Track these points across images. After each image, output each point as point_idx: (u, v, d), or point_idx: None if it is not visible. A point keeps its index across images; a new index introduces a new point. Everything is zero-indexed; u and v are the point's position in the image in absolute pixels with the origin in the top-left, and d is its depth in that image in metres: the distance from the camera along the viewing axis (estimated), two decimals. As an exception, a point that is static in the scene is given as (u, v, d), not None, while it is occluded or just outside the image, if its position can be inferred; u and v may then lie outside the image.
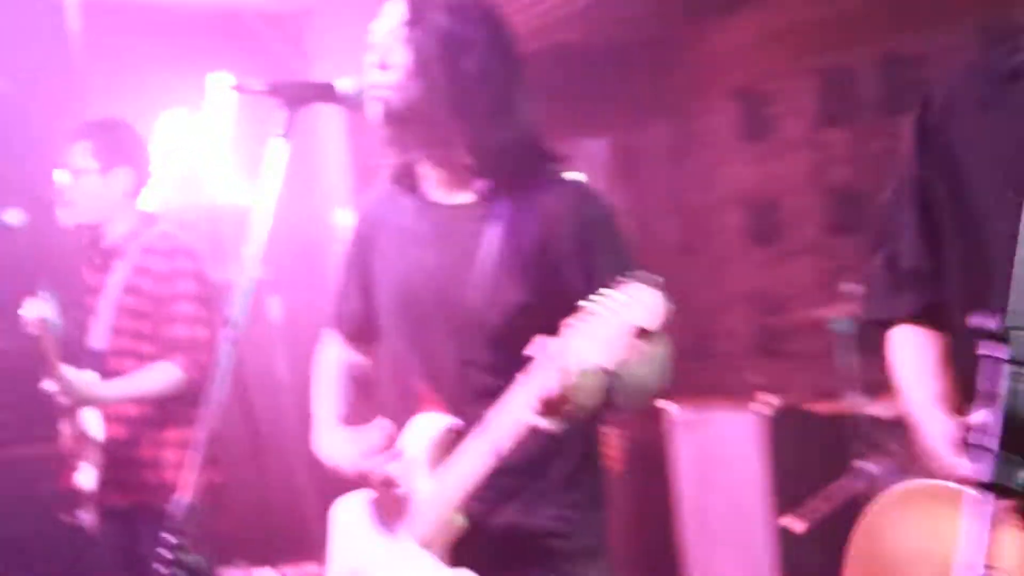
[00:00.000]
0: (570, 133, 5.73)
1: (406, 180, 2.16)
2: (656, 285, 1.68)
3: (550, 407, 1.73)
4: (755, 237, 5.67)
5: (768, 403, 4.44)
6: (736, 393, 4.66)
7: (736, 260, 5.78)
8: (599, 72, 5.86)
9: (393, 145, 2.10)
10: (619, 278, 1.78)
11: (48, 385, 3.23)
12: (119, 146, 3.55)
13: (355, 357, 2.39)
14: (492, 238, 2.02)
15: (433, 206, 2.13)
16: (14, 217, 3.51)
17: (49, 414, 3.35)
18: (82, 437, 3.40)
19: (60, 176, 3.53)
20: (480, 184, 2.06)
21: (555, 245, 2.00)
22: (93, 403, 3.34)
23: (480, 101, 1.99)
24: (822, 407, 4.35)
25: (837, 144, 5.20)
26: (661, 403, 4.72)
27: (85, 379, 3.29)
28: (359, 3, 5.89)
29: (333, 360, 2.40)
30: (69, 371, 3.26)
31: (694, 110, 5.93)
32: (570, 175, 2.10)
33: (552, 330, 1.85)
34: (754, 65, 5.53)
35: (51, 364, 3.20)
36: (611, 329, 1.66)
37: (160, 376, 3.36)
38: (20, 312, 3.09)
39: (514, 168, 2.04)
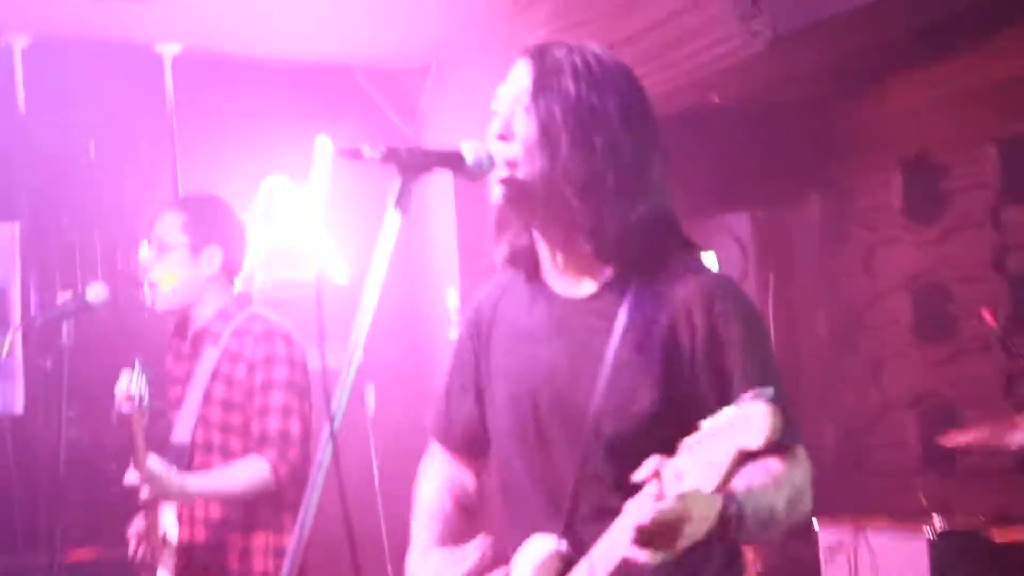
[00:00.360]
0: (707, 207, 5.70)
1: (525, 265, 2.15)
2: (769, 399, 1.62)
3: (647, 537, 1.69)
4: (923, 332, 5.52)
5: (936, 525, 4.29)
6: (898, 512, 4.52)
7: (900, 358, 5.64)
8: (743, 138, 5.83)
9: (511, 225, 2.11)
10: (753, 388, 1.75)
11: (130, 476, 3.27)
12: (212, 223, 3.64)
13: (462, 475, 2.35)
14: (616, 336, 2.00)
15: (553, 297, 2.11)
16: (97, 293, 3.59)
17: (124, 513, 3.39)
18: (161, 541, 3.43)
19: (145, 250, 3.63)
20: (605, 272, 2.05)
21: (683, 346, 1.98)
22: (176, 497, 3.36)
23: (609, 180, 1.98)
24: (1001, 533, 4.20)
25: (1022, 224, 5.07)
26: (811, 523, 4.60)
27: (169, 471, 3.32)
28: (477, 60, 6.02)
29: (435, 478, 2.36)
30: (153, 460, 3.29)
31: (853, 182, 5.84)
32: (704, 262, 2.09)
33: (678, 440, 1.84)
34: (925, 132, 5.44)
35: (137, 449, 3.23)
36: (717, 452, 1.63)
37: (248, 471, 3.39)
38: (112, 395, 3.14)
39: (642, 255, 2.02)
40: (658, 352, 1.98)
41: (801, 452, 1.99)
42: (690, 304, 1.99)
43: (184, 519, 3.48)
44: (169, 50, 5.78)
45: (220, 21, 5.57)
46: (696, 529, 1.72)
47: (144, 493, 3.28)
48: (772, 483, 1.89)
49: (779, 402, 1.81)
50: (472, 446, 2.31)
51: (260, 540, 3.49)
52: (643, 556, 1.72)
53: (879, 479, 5.59)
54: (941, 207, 5.42)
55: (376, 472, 6.12)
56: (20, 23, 5.43)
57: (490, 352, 2.22)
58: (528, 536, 2.06)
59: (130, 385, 3.13)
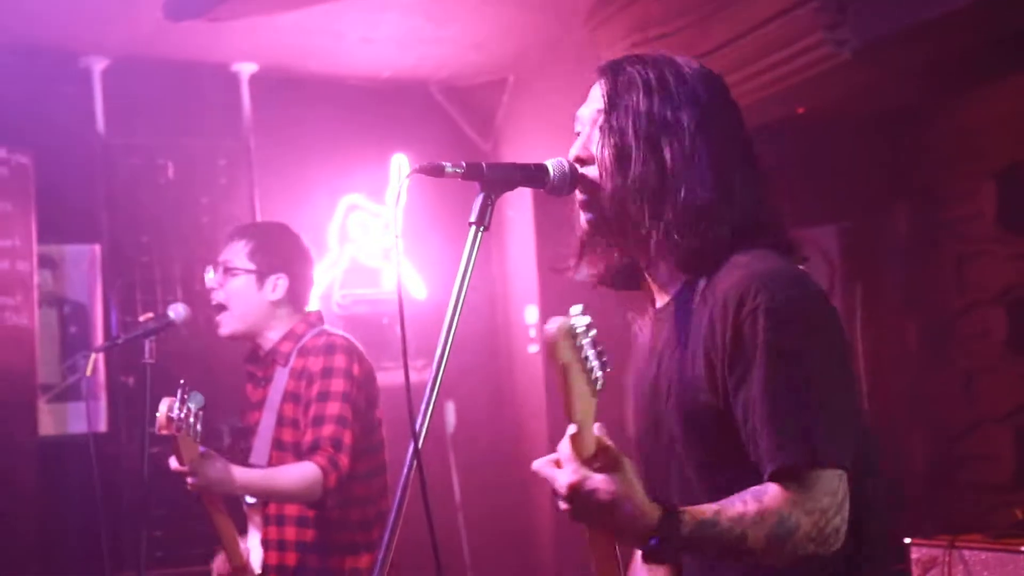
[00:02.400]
0: (793, 221, 5.66)
1: (627, 284, 2.16)
2: None
3: (570, 493, 1.76)
4: (1017, 345, 5.44)
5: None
6: (994, 531, 4.44)
7: (993, 372, 5.55)
8: (828, 149, 5.79)
9: (596, 246, 2.11)
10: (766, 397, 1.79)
11: (175, 465, 3.32)
12: (278, 251, 3.71)
13: None
14: (681, 341, 1.99)
15: (654, 312, 2.13)
16: (179, 312, 3.68)
17: (207, 529, 3.46)
18: (243, 568, 3.50)
19: (211, 274, 3.70)
20: (682, 277, 2.04)
21: (716, 345, 1.91)
22: (220, 484, 3.36)
23: (682, 197, 1.96)
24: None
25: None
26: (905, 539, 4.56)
27: (217, 463, 3.35)
28: (554, 74, 6.05)
29: None
30: (204, 454, 3.33)
31: (943, 193, 5.77)
32: (769, 256, 1.96)
33: (734, 441, 1.88)
34: (1018, 141, 5.36)
35: (183, 459, 3.29)
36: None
37: (298, 471, 3.44)
38: (158, 413, 3.20)
39: (716, 258, 1.98)
40: (700, 354, 1.93)
41: (822, 482, 1.82)
42: (727, 300, 1.89)
43: (264, 543, 3.55)
44: (246, 69, 5.89)
45: (296, 40, 5.67)
46: (617, 517, 1.74)
47: (192, 481, 3.31)
48: (753, 513, 1.79)
49: (798, 424, 1.82)
50: None
51: (336, 562, 3.55)
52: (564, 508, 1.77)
53: (972, 494, 5.50)
54: (1035, 217, 5.34)
55: (456, 488, 6.17)
56: (99, 45, 5.57)
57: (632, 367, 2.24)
58: None
59: (170, 409, 3.19)
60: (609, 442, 1.77)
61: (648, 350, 2.12)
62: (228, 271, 3.65)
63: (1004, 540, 4.29)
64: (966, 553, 4.35)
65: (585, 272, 2.18)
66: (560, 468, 1.79)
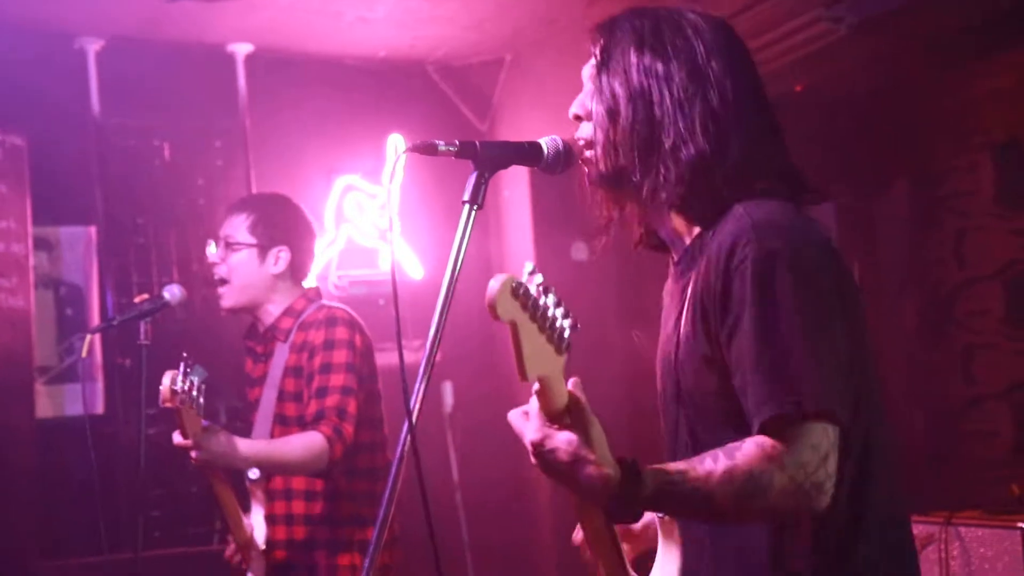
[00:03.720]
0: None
1: (654, 244, 2.13)
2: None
3: (536, 446, 1.79)
4: (1017, 321, 5.44)
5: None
6: (991, 506, 4.45)
7: (991, 348, 5.55)
8: (826, 126, 5.78)
9: (607, 208, 2.09)
10: (754, 349, 1.76)
11: (178, 439, 3.31)
12: (280, 224, 3.72)
13: None
14: (687, 295, 1.97)
15: (670, 271, 2.11)
16: (174, 294, 3.68)
17: (204, 509, 3.46)
18: (248, 540, 3.50)
19: (213, 249, 3.70)
20: (691, 233, 2.02)
21: (709, 297, 1.88)
22: (229, 458, 3.37)
23: (669, 145, 1.94)
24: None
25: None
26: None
27: (221, 436, 3.35)
28: (551, 53, 6.03)
29: None
30: (207, 428, 3.33)
31: (941, 168, 5.77)
32: (768, 205, 1.91)
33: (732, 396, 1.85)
34: (1016, 115, 5.35)
35: (188, 434, 3.28)
36: None
37: (303, 441, 3.45)
38: (161, 386, 3.20)
39: (721, 207, 1.94)
40: (698, 309, 1.90)
41: (805, 437, 1.75)
42: (719, 252, 1.86)
43: (270, 518, 3.56)
44: (242, 50, 5.87)
45: (292, 20, 5.65)
46: (578, 476, 1.72)
47: (195, 455, 3.31)
48: (720, 472, 1.74)
49: (782, 371, 1.76)
50: None
51: (345, 534, 3.56)
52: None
53: (970, 470, 5.51)
54: (1034, 192, 5.33)
55: (454, 467, 6.18)
56: (93, 26, 5.55)
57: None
58: None
59: (173, 382, 3.18)
60: (581, 397, 1.75)
61: (664, 307, 2.12)
62: (230, 246, 3.66)
63: (1001, 516, 4.30)
64: (963, 529, 4.37)
65: (607, 237, 2.13)
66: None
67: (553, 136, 2.06)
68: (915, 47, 5.05)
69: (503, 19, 5.80)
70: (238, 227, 3.68)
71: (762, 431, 1.77)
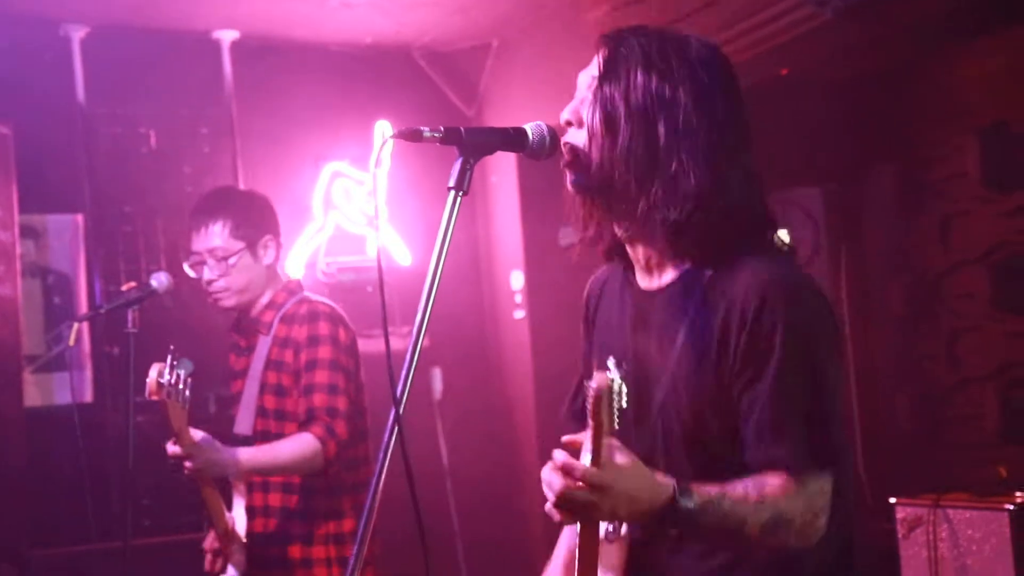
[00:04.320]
0: (777, 182, 5.66)
1: (616, 257, 2.16)
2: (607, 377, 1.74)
3: (561, 501, 1.81)
4: (1003, 304, 5.45)
5: (1018, 501, 4.25)
6: (977, 488, 4.47)
7: (977, 331, 5.57)
8: (812, 110, 5.78)
9: (585, 216, 2.10)
10: (775, 399, 1.87)
11: (172, 449, 3.31)
12: (256, 217, 3.71)
13: None
14: (683, 331, 2.00)
15: (635, 290, 2.12)
16: (162, 281, 3.67)
17: (193, 498, 3.46)
18: (229, 533, 3.50)
19: (207, 272, 3.67)
20: (682, 265, 2.04)
21: (729, 348, 1.95)
22: (227, 470, 3.40)
23: (671, 172, 1.96)
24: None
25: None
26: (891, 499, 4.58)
27: (213, 443, 3.36)
28: (538, 39, 6.01)
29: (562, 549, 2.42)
30: (197, 435, 3.33)
31: (928, 153, 5.77)
32: (782, 258, 2.02)
33: (733, 440, 1.95)
34: (1002, 99, 5.35)
35: (180, 439, 3.28)
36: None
37: (296, 446, 3.44)
38: (148, 378, 3.20)
39: (717, 247, 1.99)
40: (713, 349, 1.96)
41: (817, 484, 1.92)
42: (744, 304, 1.93)
43: (249, 510, 3.55)
44: (227, 37, 5.85)
45: (277, 6, 5.63)
46: (618, 506, 1.78)
47: (189, 465, 3.31)
48: (754, 499, 1.87)
49: (808, 427, 1.91)
50: None
51: (320, 527, 3.56)
52: (553, 510, 1.83)
53: (956, 453, 5.53)
54: (1020, 176, 5.33)
55: (444, 453, 6.19)
56: (78, 13, 5.52)
57: (593, 339, 2.26)
58: None
59: (159, 374, 3.18)
60: (624, 459, 1.81)
61: (628, 325, 2.12)
62: (223, 259, 3.63)
63: (988, 499, 4.32)
64: (951, 512, 4.38)
65: (585, 243, 2.16)
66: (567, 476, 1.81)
67: (538, 122, 2.05)
68: (900, 31, 5.05)
69: (490, 4, 5.78)
70: (221, 236, 3.63)
71: (775, 473, 1.91)
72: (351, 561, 1.93)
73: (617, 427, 1.81)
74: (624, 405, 1.80)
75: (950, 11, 4.80)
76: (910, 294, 5.89)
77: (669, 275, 2.06)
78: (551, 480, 1.81)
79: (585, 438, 1.77)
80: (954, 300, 5.67)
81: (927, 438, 5.66)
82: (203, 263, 3.65)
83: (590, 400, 1.70)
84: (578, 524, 1.90)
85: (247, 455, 3.43)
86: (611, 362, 1.70)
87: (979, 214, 5.53)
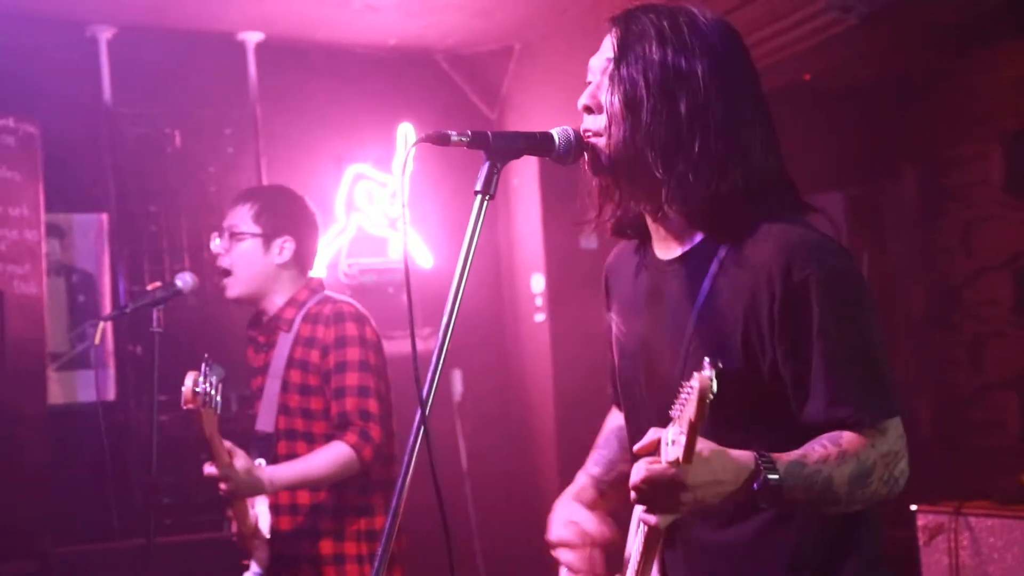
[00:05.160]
0: (800, 186, 5.64)
1: (635, 234, 2.16)
2: (712, 368, 1.68)
3: (642, 497, 1.79)
4: (1024, 310, 5.43)
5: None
6: (1001, 497, 4.45)
7: (1000, 337, 5.54)
8: (835, 115, 5.77)
9: (605, 197, 2.10)
10: (829, 356, 1.85)
11: (209, 470, 3.32)
12: (284, 213, 3.69)
13: None
14: (699, 302, 1.99)
15: (652, 263, 2.12)
16: (187, 281, 3.68)
17: (216, 496, 3.47)
18: (253, 532, 3.51)
19: (217, 239, 3.69)
20: (695, 237, 2.04)
21: (762, 315, 1.93)
22: (265, 491, 3.42)
23: (695, 145, 1.95)
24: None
25: None
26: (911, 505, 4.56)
27: (254, 466, 3.38)
28: (560, 42, 6.01)
29: (609, 423, 2.44)
30: (240, 457, 3.34)
31: (950, 158, 5.75)
32: (802, 223, 2.00)
33: (765, 407, 1.92)
34: (1025, 105, 5.33)
35: (213, 445, 3.29)
36: (683, 423, 1.70)
37: (331, 455, 3.44)
38: (183, 387, 3.19)
39: (734, 219, 1.99)
40: (739, 320, 1.94)
41: (891, 427, 1.92)
42: (771, 269, 1.91)
43: (275, 508, 3.56)
44: (252, 38, 5.87)
45: (302, 8, 5.64)
46: (704, 494, 1.77)
47: (224, 487, 3.33)
48: (835, 455, 1.86)
49: (866, 376, 1.90)
50: None
51: (352, 524, 3.55)
52: (649, 518, 1.82)
53: (978, 460, 5.50)
54: (1043, 182, 5.32)
55: (463, 455, 6.19)
56: (105, 14, 5.55)
57: (612, 316, 2.26)
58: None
59: (195, 383, 3.18)
60: (703, 447, 1.80)
61: (642, 299, 2.12)
62: (234, 235, 3.64)
63: (1010, 506, 4.30)
64: (972, 519, 4.36)
65: (595, 225, 2.16)
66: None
67: (564, 126, 2.05)
68: (924, 37, 5.04)
69: (513, 8, 5.78)
70: (242, 217, 3.66)
71: (852, 428, 1.89)
72: (377, 558, 1.93)
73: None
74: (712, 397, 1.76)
75: (973, 17, 4.79)
76: (932, 300, 5.87)
77: (687, 244, 2.05)
78: (640, 487, 1.79)
79: (664, 435, 1.76)
80: (976, 306, 5.65)
81: (949, 444, 5.64)
82: (221, 236, 3.68)
83: (691, 399, 1.68)
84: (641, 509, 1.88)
85: (282, 476, 3.42)
86: (707, 361, 1.68)
87: (1002, 220, 5.51)
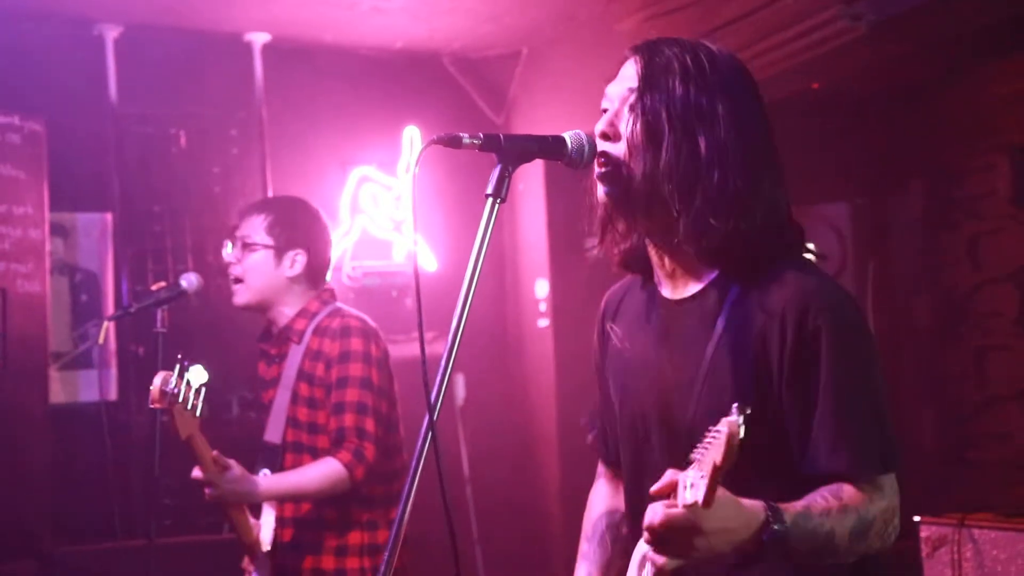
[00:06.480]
0: (804, 197, 5.65)
1: (639, 268, 2.16)
2: (742, 415, 1.66)
3: (656, 539, 1.77)
4: (1030, 323, 5.43)
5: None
6: (1005, 509, 4.44)
7: (1004, 350, 5.54)
8: (842, 124, 5.77)
9: (615, 225, 2.11)
10: (835, 406, 1.87)
11: (196, 474, 3.32)
12: (297, 226, 3.69)
13: (620, 498, 2.33)
14: (714, 340, 1.99)
15: (661, 299, 2.12)
16: (191, 282, 3.68)
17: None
18: (254, 543, 3.50)
19: (229, 249, 3.70)
20: (709, 275, 2.04)
21: (772, 356, 1.94)
22: (250, 500, 3.42)
23: (713, 182, 1.96)
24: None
25: None
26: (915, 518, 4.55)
27: (240, 472, 3.37)
28: (568, 47, 6.02)
29: (595, 508, 2.39)
30: (220, 460, 3.34)
31: (957, 169, 5.75)
32: (813, 267, 2.03)
33: (773, 453, 1.93)
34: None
35: (193, 449, 3.28)
36: (704, 468, 1.68)
37: (322, 472, 3.43)
38: (151, 386, 3.19)
39: (747, 258, 2.00)
40: (750, 360, 1.95)
41: (888, 484, 1.95)
42: (785, 312, 1.94)
43: (280, 520, 3.56)
44: (259, 39, 5.88)
45: (309, 10, 5.65)
46: (716, 541, 1.76)
47: (208, 492, 3.33)
48: (837, 508, 1.87)
49: (868, 429, 1.93)
50: (618, 457, 2.28)
51: (355, 539, 3.55)
52: (658, 559, 1.79)
53: (982, 471, 5.50)
54: (1052, 195, 5.31)
55: (465, 460, 6.19)
56: (112, 13, 5.55)
57: (608, 353, 2.24)
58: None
59: (164, 383, 3.18)
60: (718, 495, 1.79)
61: (649, 336, 2.11)
62: (247, 246, 3.63)
63: (1014, 519, 4.29)
64: (976, 532, 4.36)
65: (601, 251, 2.17)
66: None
67: (576, 130, 2.05)
68: (933, 47, 5.04)
69: (521, 13, 5.79)
70: (256, 227, 3.65)
71: (848, 480, 1.91)
72: (382, 568, 1.92)
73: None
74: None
75: (983, 29, 4.79)
76: (937, 311, 5.87)
77: (697, 284, 2.06)
78: (658, 530, 1.77)
79: (682, 477, 1.73)
80: (981, 318, 5.65)
81: (953, 456, 5.63)
82: (234, 245, 3.68)
83: (717, 443, 1.67)
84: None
85: (270, 487, 3.42)
86: (735, 407, 1.67)
87: (1008, 232, 5.50)
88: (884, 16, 4.44)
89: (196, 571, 4.45)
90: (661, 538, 1.77)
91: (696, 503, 1.69)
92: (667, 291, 2.11)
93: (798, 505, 1.85)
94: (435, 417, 1.89)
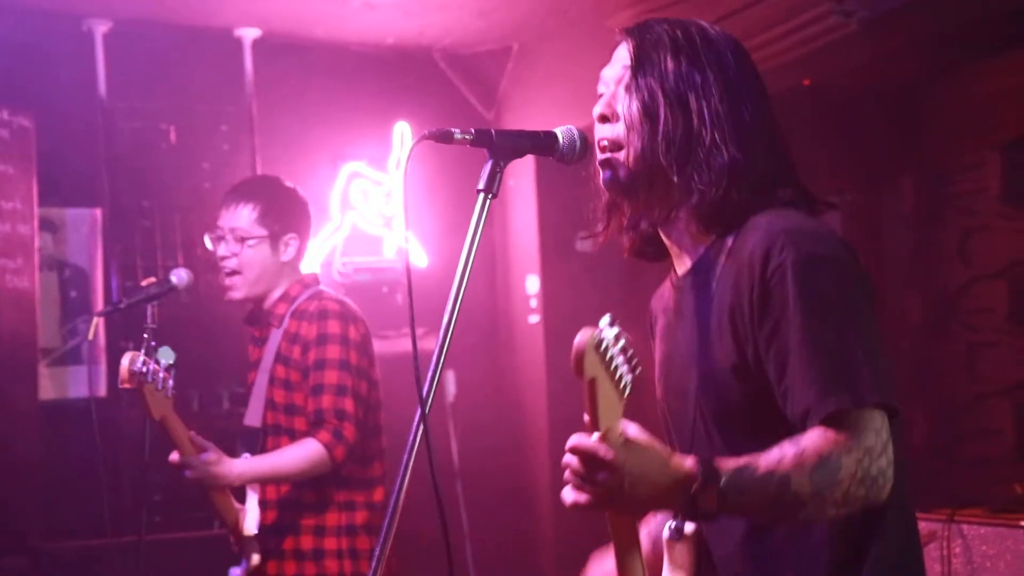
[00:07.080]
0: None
1: (654, 255, 2.17)
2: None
3: (576, 479, 1.76)
4: (1021, 320, 5.44)
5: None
6: (994, 505, 4.46)
7: (995, 346, 5.56)
8: (834, 121, 5.78)
9: (613, 213, 2.12)
10: (802, 340, 1.79)
11: (173, 457, 3.35)
12: (287, 211, 3.72)
13: None
14: (706, 305, 2.00)
15: (674, 281, 2.13)
16: (181, 277, 3.69)
17: (205, 498, 3.48)
18: (237, 527, 3.52)
19: (210, 244, 3.70)
20: (705, 241, 2.05)
21: (743, 305, 1.91)
22: (228, 482, 3.43)
23: (707, 149, 1.98)
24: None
25: None
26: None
27: (217, 455, 3.39)
28: (559, 43, 6.02)
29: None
30: (197, 441, 3.37)
31: (948, 166, 5.77)
32: (791, 212, 1.97)
33: (766, 412, 1.87)
34: (1024, 115, 5.35)
35: (168, 430, 3.31)
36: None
37: (301, 453, 3.46)
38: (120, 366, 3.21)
39: (741, 215, 1.99)
40: (727, 314, 1.94)
41: (867, 421, 1.79)
42: (752, 256, 1.90)
43: (262, 504, 3.58)
44: (249, 34, 5.87)
45: (300, 5, 5.65)
46: (634, 486, 1.72)
47: (187, 474, 3.35)
48: (791, 456, 1.76)
49: (834, 363, 1.81)
50: None
51: (333, 519, 3.57)
52: (571, 496, 1.76)
53: (972, 469, 5.52)
54: (1040, 191, 5.33)
55: (455, 455, 6.20)
56: (101, 8, 5.55)
57: (655, 351, 2.24)
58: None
59: (131, 362, 3.19)
60: (637, 437, 1.76)
61: (672, 320, 2.13)
62: (242, 240, 3.64)
63: (1003, 515, 4.31)
64: (965, 527, 4.38)
65: (605, 239, 2.16)
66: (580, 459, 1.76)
67: (568, 126, 2.06)
68: (924, 44, 5.05)
69: (511, 8, 5.79)
70: (246, 219, 3.65)
71: (823, 424, 1.79)
72: (372, 566, 1.93)
73: (626, 390, 1.70)
74: (636, 365, 1.69)
75: (974, 25, 4.80)
76: (928, 307, 5.88)
77: (696, 254, 2.06)
78: (568, 462, 1.75)
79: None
80: (972, 315, 5.67)
81: (942, 452, 5.65)
82: (223, 239, 3.68)
83: (580, 365, 1.64)
84: (612, 522, 1.84)
85: (248, 469, 3.44)
86: (606, 319, 1.65)
87: (999, 229, 5.52)
88: (875, 13, 4.45)
89: (186, 567, 4.46)
90: (574, 469, 1.75)
91: (597, 433, 1.69)
92: (678, 268, 2.12)
93: (743, 459, 1.77)
94: (427, 411, 1.89)
